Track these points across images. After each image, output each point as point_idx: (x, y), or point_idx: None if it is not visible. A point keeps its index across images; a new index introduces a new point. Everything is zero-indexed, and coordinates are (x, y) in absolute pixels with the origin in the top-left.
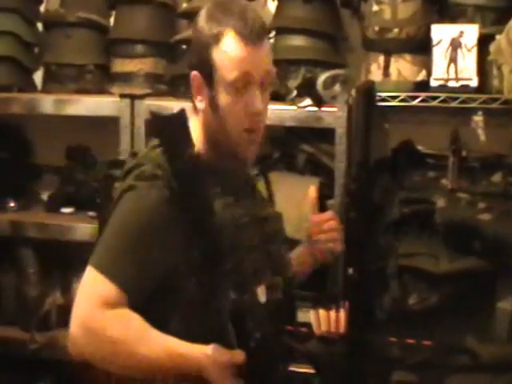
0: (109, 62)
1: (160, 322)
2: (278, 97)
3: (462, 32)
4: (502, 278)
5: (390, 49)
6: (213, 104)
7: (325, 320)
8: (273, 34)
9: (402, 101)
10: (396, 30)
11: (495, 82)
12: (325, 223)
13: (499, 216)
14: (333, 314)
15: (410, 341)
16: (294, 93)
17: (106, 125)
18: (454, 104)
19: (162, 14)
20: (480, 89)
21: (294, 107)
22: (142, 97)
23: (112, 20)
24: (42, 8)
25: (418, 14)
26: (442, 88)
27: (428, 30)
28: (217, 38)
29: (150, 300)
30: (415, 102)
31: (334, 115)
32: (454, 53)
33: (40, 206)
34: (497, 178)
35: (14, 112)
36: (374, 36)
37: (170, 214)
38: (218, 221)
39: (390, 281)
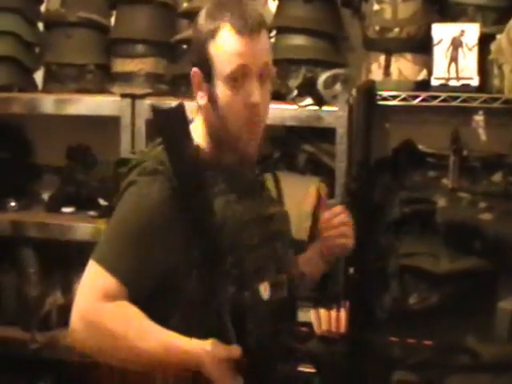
0: (109, 61)
1: (160, 320)
2: (278, 96)
3: (462, 31)
4: (503, 277)
5: (391, 48)
6: (212, 99)
7: (325, 319)
8: (273, 33)
9: (402, 100)
10: (397, 30)
11: (496, 82)
12: (335, 218)
13: (500, 216)
14: (333, 313)
15: (411, 340)
16: (295, 92)
17: (107, 125)
18: (454, 103)
19: (163, 14)
20: (481, 88)
21: (295, 107)
22: (143, 96)
23: (113, 20)
24: (43, 8)
25: (418, 14)
26: (443, 87)
27: (429, 30)
28: (213, 33)
29: (150, 298)
30: (416, 102)
31: (335, 115)
32: (455, 52)
33: (40, 205)
34: (497, 177)
35: (14, 112)
36: (375, 35)
37: (171, 209)
38: (219, 218)
39: (391, 280)
